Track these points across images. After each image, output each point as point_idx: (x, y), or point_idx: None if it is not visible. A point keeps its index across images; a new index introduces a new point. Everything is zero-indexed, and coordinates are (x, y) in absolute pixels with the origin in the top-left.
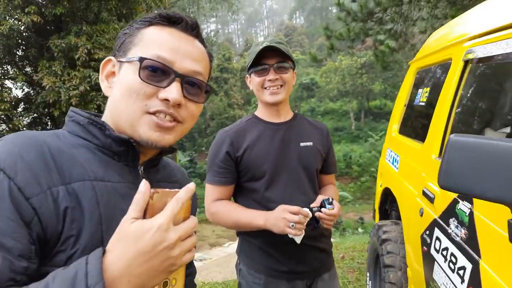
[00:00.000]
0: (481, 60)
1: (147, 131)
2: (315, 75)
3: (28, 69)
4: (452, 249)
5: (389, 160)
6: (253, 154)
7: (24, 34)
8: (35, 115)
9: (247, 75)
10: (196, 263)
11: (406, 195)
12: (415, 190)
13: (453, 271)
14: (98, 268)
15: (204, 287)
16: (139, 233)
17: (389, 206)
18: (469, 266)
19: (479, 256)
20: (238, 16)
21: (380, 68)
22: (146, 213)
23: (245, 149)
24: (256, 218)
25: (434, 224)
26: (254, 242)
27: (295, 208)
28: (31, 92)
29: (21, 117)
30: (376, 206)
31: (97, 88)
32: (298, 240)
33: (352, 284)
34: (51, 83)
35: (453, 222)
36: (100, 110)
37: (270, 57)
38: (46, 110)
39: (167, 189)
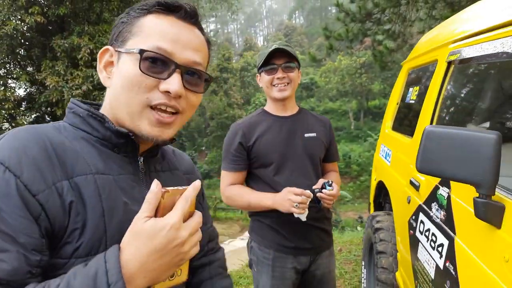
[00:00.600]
0: (462, 61)
1: (148, 127)
2: (315, 75)
3: (30, 68)
4: (433, 229)
5: (382, 155)
6: (262, 144)
7: (27, 34)
8: (37, 114)
9: (257, 74)
10: None
11: (396, 186)
12: (403, 181)
13: (433, 248)
14: (117, 267)
15: None
16: (153, 231)
17: (383, 199)
18: (446, 243)
19: (454, 233)
20: (237, 16)
21: (379, 68)
22: (157, 211)
23: (256, 140)
24: (265, 199)
25: (419, 209)
26: (264, 221)
27: (299, 190)
28: (34, 91)
29: (24, 116)
30: (371, 199)
31: (99, 87)
32: (303, 218)
33: (348, 274)
34: (54, 83)
35: (434, 206)
36: None
37: (278, 58)
38: (49, 109)
39: (176, 188)
